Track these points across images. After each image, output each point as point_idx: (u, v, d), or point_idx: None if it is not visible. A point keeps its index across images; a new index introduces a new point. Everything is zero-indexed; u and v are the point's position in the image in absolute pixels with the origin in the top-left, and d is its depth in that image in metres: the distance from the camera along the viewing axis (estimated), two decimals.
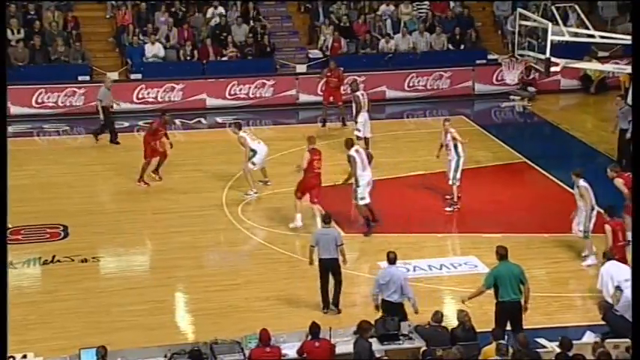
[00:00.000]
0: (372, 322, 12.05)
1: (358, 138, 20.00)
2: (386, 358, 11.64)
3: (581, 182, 15.67)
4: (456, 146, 17.47)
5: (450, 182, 17.59)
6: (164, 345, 12.25)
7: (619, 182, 15.73)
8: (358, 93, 20.42)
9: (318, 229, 14.27)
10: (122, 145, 21.59)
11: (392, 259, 12.98)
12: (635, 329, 10.90)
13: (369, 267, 15.62)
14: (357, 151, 16.65)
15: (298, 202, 16.89)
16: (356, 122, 20.20)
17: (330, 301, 13.98)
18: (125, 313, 14.21)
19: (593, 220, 15.54)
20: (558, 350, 11.45)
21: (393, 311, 12.63)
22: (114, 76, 24.26)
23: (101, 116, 21.32)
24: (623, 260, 14.11)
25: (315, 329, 11.66)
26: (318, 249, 13.89)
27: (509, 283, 12.63)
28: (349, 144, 16.68)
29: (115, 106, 21.66)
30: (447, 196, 17.83)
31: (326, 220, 14.21)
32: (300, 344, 11.66)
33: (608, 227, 14.48)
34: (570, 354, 11.11)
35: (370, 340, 11.73)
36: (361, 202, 16.59)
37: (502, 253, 12.88)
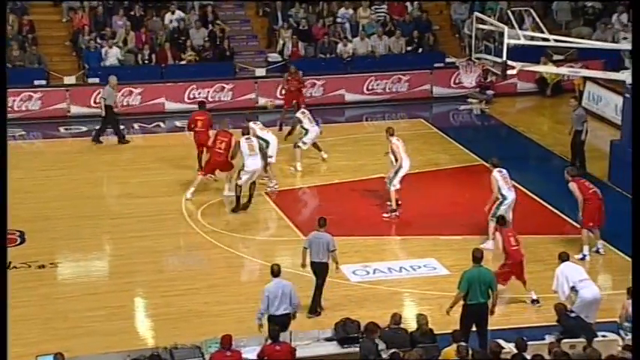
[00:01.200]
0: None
1: (296, 146, 19.77)
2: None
3: (494, 172, 16.19)
4: (396, 156, 17.54)
5: (387, 185, 17.59)
6: (123, 351, 12.16)
7: (573, 187, 15.96)
8: (298, 114, 20.01)
9: (312, 232, 14.14)
10: (79, 151, 21.43)
11: (276, 272, 12.82)
12: (635, 329, 11.05)
13: (330, 270, 15.61)
14: (247, 139, 17.74)
15: (200, 177, 18.32)
16: (301, 139, 19.85)
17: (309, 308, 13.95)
18: (83, 319, 14.08)
19: (502, 208, 15.98)
20: (515, 351, 11.58)
21: (281, 323, 12.49)
22: (71, 80, 24.06)
23: (103, 113, 21.36)
24: (520, 263, 14.33)
25: (275, 333, 11.64)
26: (309, 251, 13.87)
27: (479, 287, 12.76)
28: (244, 132, 18.03)
29: (114, 109, 21.62)
30: (388, 202, 17.79)
31: (321, 223, 14.11)
32: (261, 348, 11.65)
33: (498, 235, 14.59)
34: (526, 354, 11.22)
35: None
36: (238, 182, 17.54)
37: (477, 257, 13.01)
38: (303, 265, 14.02)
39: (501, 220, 14.92)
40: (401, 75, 25.05)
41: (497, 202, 16.18)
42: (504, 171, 16.41)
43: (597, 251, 16.09)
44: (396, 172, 17.46)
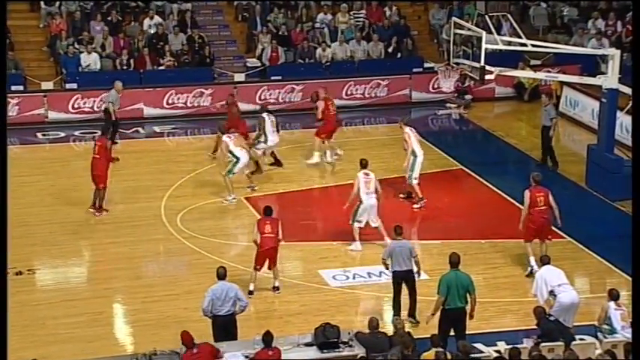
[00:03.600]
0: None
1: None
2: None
3: (359, 174, 16.42)
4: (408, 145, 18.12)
5: (408, 181, 18.02)
6: (102, 357, 12.12)
7: (526, 194, 15.58)
8: (264, 115, 19.80)
9: (392, 242, 14.11)
10: (57, 157, 21.36)
11: (222, 275, 12.88)
12: (634, 329, 11.12)
13: (309, 275, 15.67)
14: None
15: (319, 142, 20.02)
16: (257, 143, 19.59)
17: (407, 312, 13.90)
18: (61, 325, 14.01)
19: (360, 212, 16.22)
20: (495, 355, 11.63)
21: (229, 324, 12.63)
22: (48, 85, 23.95)
23: (113, 117, 21.39)
24: (271, 250, 14.57)
25: (267, 338, 11.67)
26: (391, 261, 13.81)
27: (457, 291, 12.81)
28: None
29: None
30: (401, 195, 18.24)
31: (397, 231, 14.08)
32: (255, 353, 11.70)
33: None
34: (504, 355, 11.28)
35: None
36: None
37: (453, 261, 13.05)
38: (387, 268, 14.05)
39: (265, 210, 14.99)
40: (380, 80, 25.10)
41: (356, 206, 16.30)
42: (371, 175, 16.49)
43: (531, 272, 15.25)
44: (413, 165, 17.89)
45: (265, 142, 19.43)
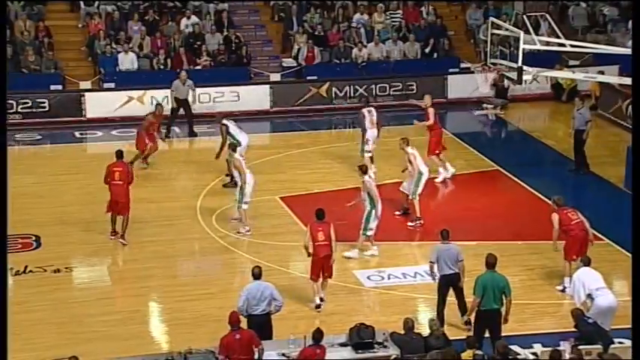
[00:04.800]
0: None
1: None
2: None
3: (366, 178, 16.03)
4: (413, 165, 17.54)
5: (410, 197, 17.53)
6: (138, 355, 12.19)
7: (554, 218, 14.87)
8: (225, 121, 19.12)
9: (438, 246, 13.92)
10: (94, 155, 21.51)
11: (257, 274, 12.83)
12: (634, 329, 10.98)
13: (344, 276, 15.63)
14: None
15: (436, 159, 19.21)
16: None
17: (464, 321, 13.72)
18: (98, 323, 14.11)
19: (372, 219, 15.89)
20: (532, 357, 11.51)
21: (264, 324, 12.61)
22: (86, 85, 24.18)
23: (174, 104, 22.02)
24: (326, 257, 14.25)
25: (317, 335, 11.66)
26: (438, 265, 13.68)
27: (493, 292, 12.71)
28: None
29: (190, 98, 22.19)
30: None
31: (444, 235, 13.89)
32: (301, 349, 11.70)
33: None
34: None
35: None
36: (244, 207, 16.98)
37: (491, 262, 12.93)
38: (435, 278, 13.88)
39: (318, 213, 14.66)
40: (416, 80, 24.97)
41: (367, 212, 15.91)
42: (373, 176, 16.28)
43: (563, 290, 14.91)
44: (418, 182, 17.39)
45: (240, 144, 18.30)
